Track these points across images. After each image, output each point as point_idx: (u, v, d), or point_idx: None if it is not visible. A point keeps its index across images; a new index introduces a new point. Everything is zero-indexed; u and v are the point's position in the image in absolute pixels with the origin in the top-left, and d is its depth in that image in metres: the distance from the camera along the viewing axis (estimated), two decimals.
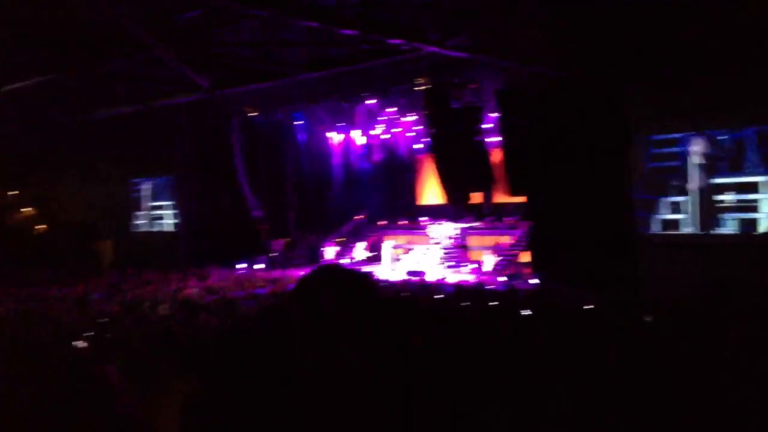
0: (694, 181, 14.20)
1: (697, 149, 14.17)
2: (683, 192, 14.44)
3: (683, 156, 14.39)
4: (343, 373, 2.40)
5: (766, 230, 13.34)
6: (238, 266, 20.41)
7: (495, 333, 7.53)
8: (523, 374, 5.15)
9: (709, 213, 14.08)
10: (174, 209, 24.57)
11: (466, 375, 4.91)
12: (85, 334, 7.72)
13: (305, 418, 2.44)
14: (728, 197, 13.90)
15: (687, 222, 14.42)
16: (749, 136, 13.59)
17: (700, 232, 14.15)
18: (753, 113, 13.30)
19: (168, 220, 25.05)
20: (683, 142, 14.41)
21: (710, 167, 14.14)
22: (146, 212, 25.80)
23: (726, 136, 13.95)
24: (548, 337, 6.84)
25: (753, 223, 13.64)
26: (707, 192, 14.09)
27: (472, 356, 5.68)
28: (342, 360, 2.36)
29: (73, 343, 7.21)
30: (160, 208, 25.42)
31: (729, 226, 13.90)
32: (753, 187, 13.69)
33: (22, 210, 23.81)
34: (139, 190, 25.89)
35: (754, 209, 13.66)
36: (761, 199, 13.55)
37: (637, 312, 8.56)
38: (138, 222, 25.93)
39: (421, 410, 2.38)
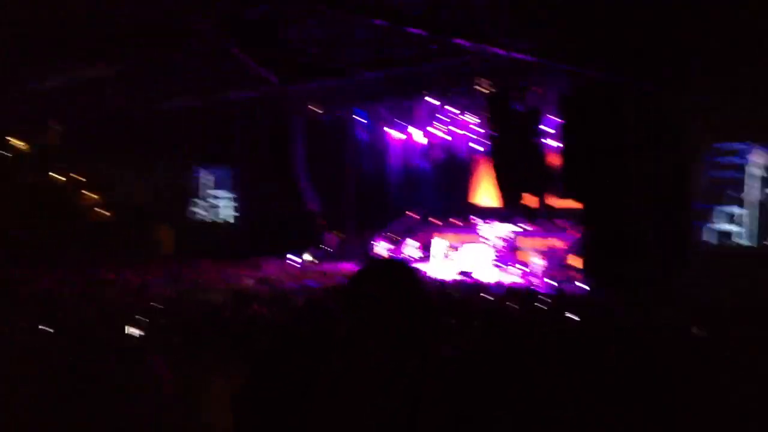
0: (752, 194, 13.85)
1: (757, 160, 13.81)
2: (741, 203, 14.13)
3: (743, 167, 14.10)
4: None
5: None
6: (291, 258, 20.66)
7: (538, 338, 7.48)
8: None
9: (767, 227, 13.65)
10: (233, 200, 24.98)
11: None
12: (138, 320, 7.88)
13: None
14: None
15: (742, 234, 14.10)
16: None
17: (755, 245, 13.77)
18: None
19: (226, 210, 25.48)
20: (744, 153, 14.10)
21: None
22: (206, 202, 26.26)
23: None
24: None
25: None
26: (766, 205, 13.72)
27: (510, 360, 5.68)
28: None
29: (126, 329, 7.38)
30: (219, 198, 25.86)
31: None
32: None
33: (86, 195, 24.52)
34: (198, 179, 26.36)
35: None
36: None
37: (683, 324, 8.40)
38: (197, 211, 26.41)
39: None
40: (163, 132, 23.14)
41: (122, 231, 23.11)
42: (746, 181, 13.96)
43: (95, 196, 24.53)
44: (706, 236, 14.52)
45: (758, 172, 13.84)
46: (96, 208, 24.55)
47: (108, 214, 24.32)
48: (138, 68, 17.08)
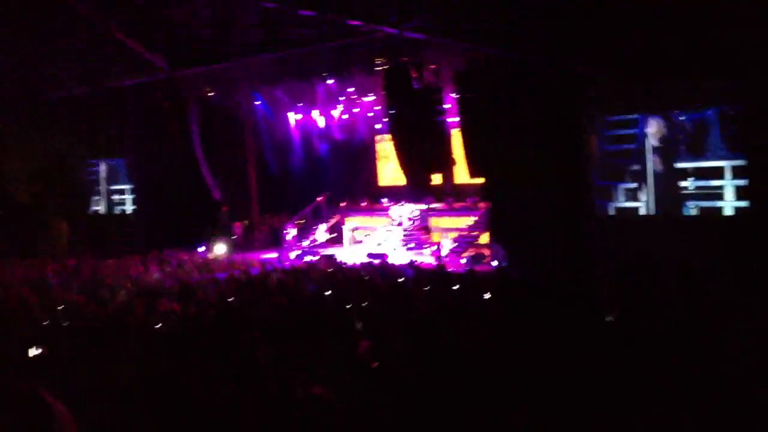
0: (651, 166, 13.75)
1: (654, 131, 13.76)
2: (641, 177, 13.98)
3: (640, 139, 13.94)
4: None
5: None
6: (198, 249, 20.25)
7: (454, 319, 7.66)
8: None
9: (667, 200, 13.62)
10: (132, 192, 24.21)
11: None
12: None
13: None
14: (689, 183, 13.39)
15: (641, 207, 14.06)
16: (710, 118, 13.14)
17: (654, 213, 13.86)
18: (714, 93, 12.78)
19: (126, 202, 24.69)
20: (640, 124, 13.93)
21: (669, 151, 13.62)
22: (103, 195, 25.36)
23: (685, 118, 13.46)
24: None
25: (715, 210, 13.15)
26: (665, 177, 13.68)
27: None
28: None
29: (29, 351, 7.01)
30: (117, 190, 25.02)
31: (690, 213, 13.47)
32: (716, 173, 13.14)
33: None
34: (96, 172, 25.42)
35: (718, 197, 13.17)
36: (725, 185, 13.03)
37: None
38: (96, 204, 25.49)
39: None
40: (56, 124, 22.13)
41: (15, 228, 22.03)
42: (645, 154, 13.84)
43: None
44: (610, 211, 14.62)
45: (653, 142, 13.75)
46: None
47: None
48: (23, 56, 16.20)
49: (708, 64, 12.33)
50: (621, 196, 14.39)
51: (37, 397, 1.98)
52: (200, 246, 20.39)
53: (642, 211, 14.13)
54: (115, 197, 25.06)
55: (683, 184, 13.52)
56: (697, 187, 13.37)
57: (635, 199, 14.12)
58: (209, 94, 21.49)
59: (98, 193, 25.37)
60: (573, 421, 3.85)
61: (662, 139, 13.69)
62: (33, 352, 7.05)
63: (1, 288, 12.92)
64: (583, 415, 3.81)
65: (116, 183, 25.04)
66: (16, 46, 15.03)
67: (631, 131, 14.21)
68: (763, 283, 10.07)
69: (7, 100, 20.34)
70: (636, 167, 14.08)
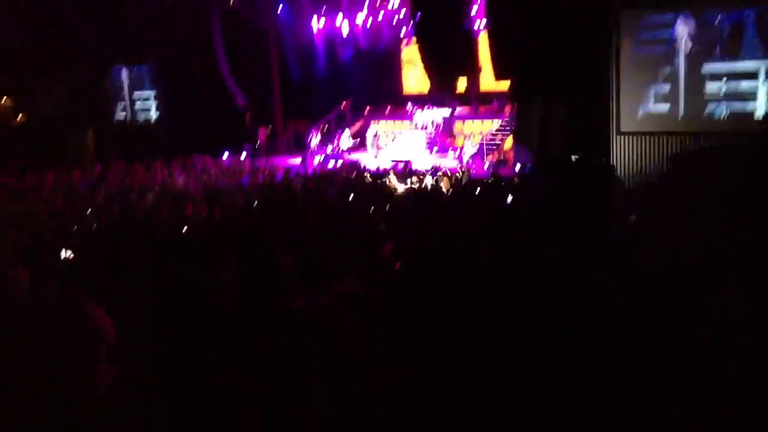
0: (682, 68, 13.13)
1: (685, 31, 13.14)
2: (671, 79, 13.31)
3: (673, 40, 13.29)
4: None
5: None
6: (223, 155, 20.32)
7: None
8: None
9: (697, 103, 13.05)
10: (154, 98, 24.12)
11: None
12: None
13: None
14: (721, 86, 12.75)
15: (671, 114, 13.47)
16: (748, 17, 12.34)
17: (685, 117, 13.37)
18: None
19: (151, 108, 24.63)
20: (675, 24, 13.24)
21: (701, 52, 12.95)
22: (127, 102, 25.29)
23: (721, 16, 12.65)
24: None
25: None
26: (696, 80, 13.01)
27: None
28: None
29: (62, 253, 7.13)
30: (142, 97, 24.92)
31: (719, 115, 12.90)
32: (749, 76, 12.43)
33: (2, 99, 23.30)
34: (120, 79, 25.29)
35: (751, 98, 12.50)
36: (759, 87, 12.36)
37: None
38: (120, 111, 25.47)
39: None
40: (77, 29, 21.90)
41: (39, 137, 22.19)
42: (676, 56, 13.09)
43: (9, 102, 23.34)
44: (640, 116, 13.81)
45: (685, 44, 13.00)
46: (11, 115, 23.42)
47: (23, 119, 23.24)
48: None
49: None
50: (650, 101, 13.91)
51: (76, 302, 2.01)
52: (224, 151, 20.42)
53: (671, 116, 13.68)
54: (138, 105, 24.98)
55: (714, 86, 12.92)
56: (728, 91, 12.75)
57: (666, 101, 13.65)
58: (232, 0, 21.11)
59: (123, 99, 25.29)
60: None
61: (695, 40, 13.06)
62: (63, 254, 7.23)
63: (31, 195, 13.15)
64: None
65: (140, 89, 24.90)
66: None
67: (666, 33, 13.57)
68: None
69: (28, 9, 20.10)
70: (667, 69, 13.47)
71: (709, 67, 12.93)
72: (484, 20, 18.62)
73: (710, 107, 12.95)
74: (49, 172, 16.13)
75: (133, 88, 24.96)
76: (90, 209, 10.77)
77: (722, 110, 12.91)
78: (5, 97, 23.18)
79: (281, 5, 22.04)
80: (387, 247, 6.00)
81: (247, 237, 7.27)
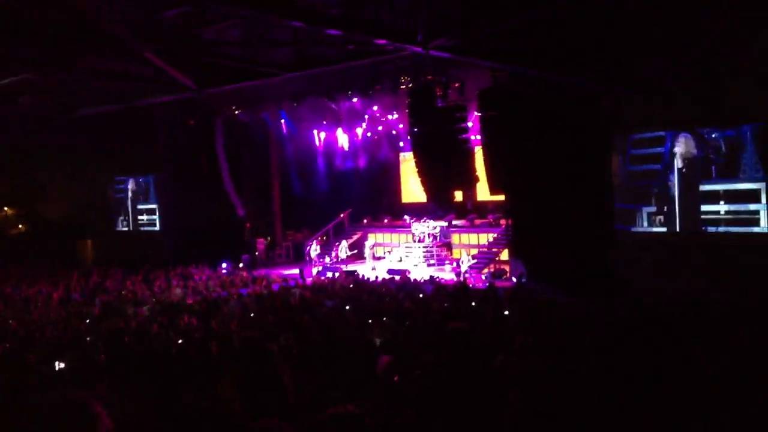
0: (677, 188, 12.79)
1: (682, 150, 12.92)
2: (665, 200, 13.08)
3: (667, 158, 13.12)
4: None
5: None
6: (221, 266, 20.37)
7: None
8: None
9: (692, 224, 12.69)
10: (158, 209, 24.46)
11: None
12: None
13: None
14: (718, 207, 12.31)
15: (664, 225, 13.31)
16: (745, 135, 12.14)
17: (676, 231, 13.26)
18: (751, 108, 11.90)
19: (152, 220, 24.93)
20: (668, 142, 13.02)
21: (697, 171, 12.64)
22: (129, 213, 25.64)
23: (716, 134, 12.50)
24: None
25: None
26: (692, 200, 12.76)
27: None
28: None
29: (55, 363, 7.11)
30: (144, 208, 25.27)
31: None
32: (749, 197, 12.00)
33: (3, 209, 23.59)
34: (124, 190, 25.73)
35: (753, 222, 11.98)
36: (761, 209, 11.86)
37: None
38: (122, 221, 25.78)
39: None
40: (84, 142, 22.41)
41: (41, 245, 22.35)
42: (670, 174, 12.95)
43: (12, 211, 23.62)
44: (632, 235, 13.90)
45: (680, 162, 12.83)
46: (13, 223, 23.65)
47: (25, 228, 23.45)
48: (53, 74, 16.41)
49: (743, 75, 11.66)
50: (644, 221, 13.84)
51: (84, 407, 2.00)
52: (223, 262, 20.50)
53: (664, 236, 13.43)
54: (143, 217, 25.29)
55: (712, 207, 12.68)
56: (728, 211, 12.41)
57: (659, 223, 13.47)
58: (236, 112, 21.71)
59: (126, 212, 25.65)
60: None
61: (691, 159, 12.81)
62: (58, 365, 7.17)
63: (29, 303, 13.12)
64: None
65: (143, 202, 25.27)
66: (46, 66, 15.24)
67: (657, 150, 13.53)
68: None
69: (38, 118, 20.64)
70: (660, 189, 13.45)
71: (707, 187, 12.79)
72: (481, 136, 19.06)
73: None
74: (46, 282, 16.18)
75: (136, 198, 25.33)
76: (87, 320, 10.74)
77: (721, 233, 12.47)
78: (6, 208, 23.46)
79: (283, 118, 22.62)
80: (384, 360, 5.92)
81: (247, 353, 7.15)
